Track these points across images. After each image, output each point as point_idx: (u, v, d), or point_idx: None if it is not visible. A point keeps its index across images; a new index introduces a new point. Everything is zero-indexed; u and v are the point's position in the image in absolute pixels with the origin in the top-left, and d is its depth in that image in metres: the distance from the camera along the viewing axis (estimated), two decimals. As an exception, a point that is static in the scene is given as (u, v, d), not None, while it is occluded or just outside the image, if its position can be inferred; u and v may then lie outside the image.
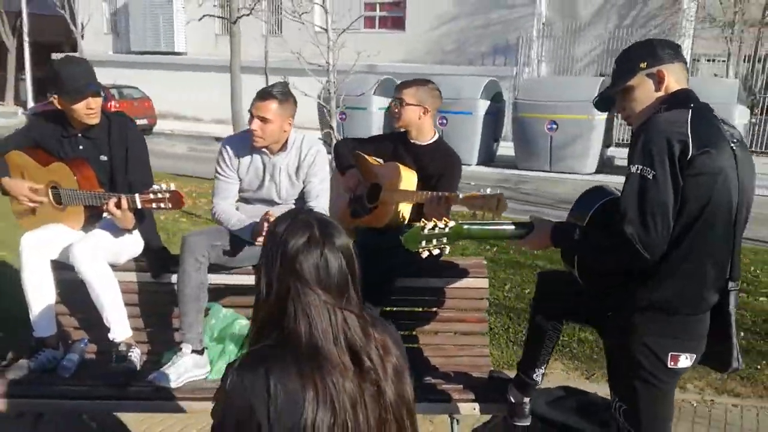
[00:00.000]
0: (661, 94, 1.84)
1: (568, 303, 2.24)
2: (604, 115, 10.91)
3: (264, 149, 2.82)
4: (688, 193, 1.67)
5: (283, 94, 2.74)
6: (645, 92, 1.85)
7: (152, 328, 2.93)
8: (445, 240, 2.01)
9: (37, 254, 2.67)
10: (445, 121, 11.79)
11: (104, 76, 19.54)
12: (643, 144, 1.69)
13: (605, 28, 16.39)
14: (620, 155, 12.25)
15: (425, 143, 2.99)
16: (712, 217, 1.71)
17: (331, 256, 1.32)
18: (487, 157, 12.28)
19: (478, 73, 14.30)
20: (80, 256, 2.62)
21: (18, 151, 2.86)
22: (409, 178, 2.93)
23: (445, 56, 17.53)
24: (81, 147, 2.83)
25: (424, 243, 2.00)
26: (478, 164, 11.87)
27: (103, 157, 2.84)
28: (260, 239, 2.66)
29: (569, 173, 10.89)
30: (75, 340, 2.85)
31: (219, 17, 8.53)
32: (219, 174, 2.91)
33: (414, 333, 2.98)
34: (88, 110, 2.71)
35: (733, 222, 1.77)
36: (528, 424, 2.47)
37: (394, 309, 3.02)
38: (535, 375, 2.38)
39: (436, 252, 2.03)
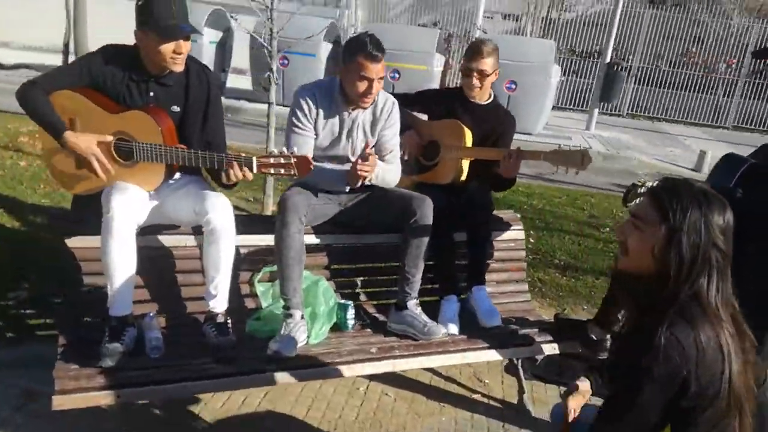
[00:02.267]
0: None
1: None
2: (441, 67, 11.66)
3: (346, 103, 2.71)
4: None
5: (384, 50, 2.63)
6: None
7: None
8: None
9: (128, 221, 2.30)
10: (286, 62, 11.50)
11: None
12: None
13: (418, -22, 17.17)
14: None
15: (484, 103, 3.13)
16: None
17: (730, 224, 1.50)
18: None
19: (301, 13, 14.07)
20: (223, 210, 2.38)
21: (70, 91, 2.36)
22: (468, 136, 3.05)
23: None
24: (152, 94, 2.45)
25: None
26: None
27: (176, 108, 2.50)
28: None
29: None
30: (138, 315, 2.51)
31: None
32: (297, 127, 2.70)
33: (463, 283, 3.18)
34: (175, 55, 2.36)
35: None
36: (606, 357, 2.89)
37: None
38: (620, 314, 2.79)
39: None
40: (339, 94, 2.69)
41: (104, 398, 2.14)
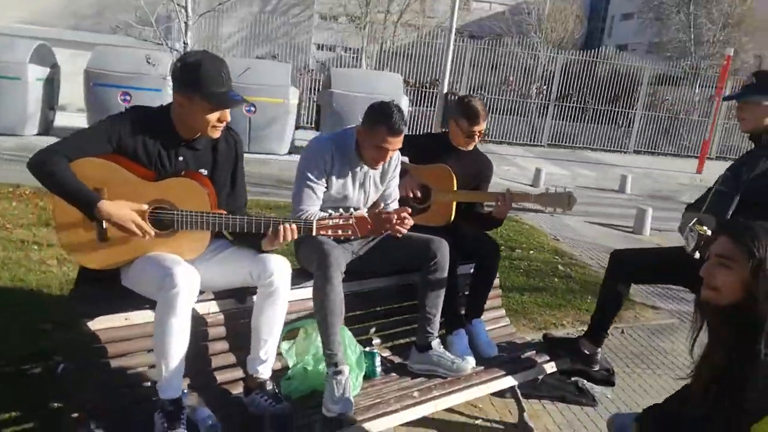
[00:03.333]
0: None
1: (642, 270, 3.05)
2: (296, 100, 11.74)
3: (360, 158, 2.75)
4: None
5: (406, 122, 2.69)
6: (763, 113, 2.72)
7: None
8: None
9: (193, 298, 2.13)
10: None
11: None
12: None
13: (249, 12, 17.10)
14: (300, 137, 13.25)
15: (467, 149, 3.33)
16: None
17: None
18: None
19: (124, 44, 13.33)
20: (287, 271, 2.33)
21: (96, 158, 2.11)
22: (455, 180, 3.24)
23: (81, 21, 15.55)
24: (181, 158, 2.29)
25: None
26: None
27: (203, 171, 2.35)
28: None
29: (268, 154, 11.39)
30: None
31: None
32: (311, 178, 2.68)
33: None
34: (218, 123, 2.25)
35: None
36: (598, 368, 3.21)
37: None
38: (609, 329, 3.13)
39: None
40: (354, 150, 2.72)
41: (186, 492, 1.95)
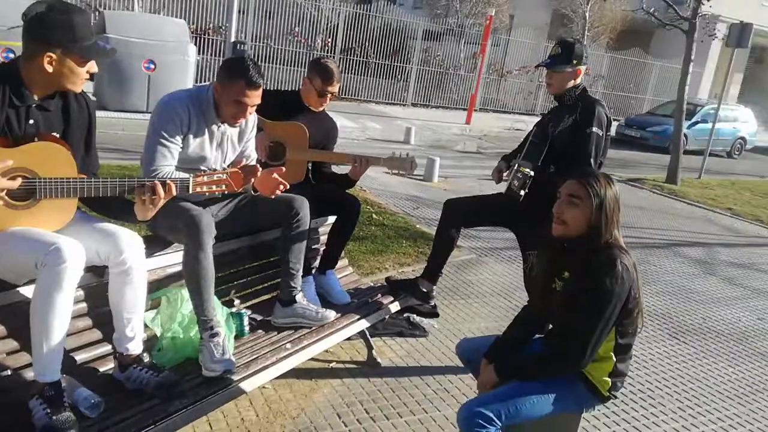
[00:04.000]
0: (573, 82, 3.22)
1: (472, 216, 3.48)
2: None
3: (217, 116, 2.69)
4: (605, 144, 3.20)
5: (263, 76, 2.65)
6: (567, 78, 3.20)
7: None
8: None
9: (80, 273, 1.94)
10: None
11: None
12: (597, 116, 3.08)
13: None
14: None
15: (318, 109, 3.40)
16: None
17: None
18: None
19: None
20: (139, 247, 2.21)
21: None
22: (308, 139, 3.32)
23: None
24: (31, 121, 2.06)
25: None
26: None
27: (56, 135, 2.14)
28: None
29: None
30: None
31: None
32: (165, 136, 2.54)
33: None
34: (87, 74, 2.09)
35: None
36: (434, 303, 3.61)
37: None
38: (442, 269, 3.52)
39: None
40: (212, 108, 2.64)
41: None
